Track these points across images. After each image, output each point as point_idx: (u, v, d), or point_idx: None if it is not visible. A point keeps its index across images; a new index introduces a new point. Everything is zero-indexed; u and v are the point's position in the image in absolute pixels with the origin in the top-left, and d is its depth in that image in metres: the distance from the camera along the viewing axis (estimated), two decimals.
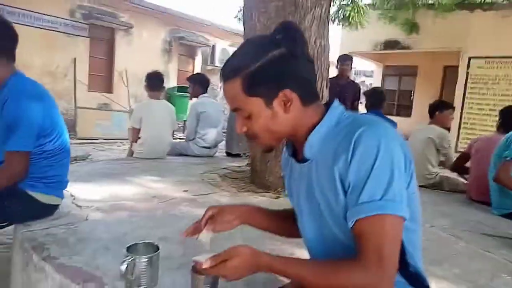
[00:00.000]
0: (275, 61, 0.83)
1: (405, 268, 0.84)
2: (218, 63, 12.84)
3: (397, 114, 10.92)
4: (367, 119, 0.82)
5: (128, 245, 1.23)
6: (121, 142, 8.36)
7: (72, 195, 2.11)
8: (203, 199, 2.28)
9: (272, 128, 0.88)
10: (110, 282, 1.25)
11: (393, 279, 0.74)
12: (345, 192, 0.79)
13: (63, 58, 8.88)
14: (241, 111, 0.88)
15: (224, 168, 3.35)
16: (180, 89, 11.08)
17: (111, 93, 10.15)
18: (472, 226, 2.33)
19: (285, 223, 1.09)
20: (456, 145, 7.63)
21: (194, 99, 4.48)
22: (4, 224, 1.65)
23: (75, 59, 8.97)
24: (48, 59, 8.57)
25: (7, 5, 7.62)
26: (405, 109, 11.34)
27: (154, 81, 3.91)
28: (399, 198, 0.75)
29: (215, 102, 4.69)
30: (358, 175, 0.76)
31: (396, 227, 0.75)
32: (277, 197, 2.47)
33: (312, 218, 0.90)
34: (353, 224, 0.76)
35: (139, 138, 3.84)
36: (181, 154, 4.29)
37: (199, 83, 4.41)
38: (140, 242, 1.28)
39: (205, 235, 0.94)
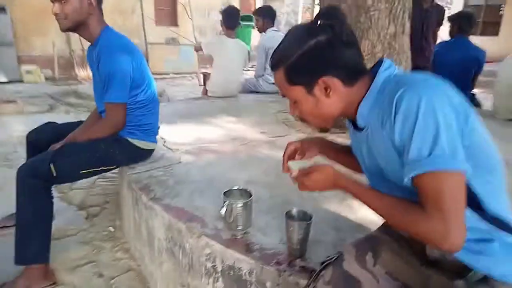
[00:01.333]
0: (312, 50, 0.87)
1: (488, 217, 0.82)
2: None
3: (482, 34, 9.64)
4: (410, 79, 0.81)
5: (225, 190, 1.37)
6: (190, 76, 8.66)
7: (162, 138, 2.31)
8: (281, 140, 2.35)
9: (318, 113, 0.93)
10: (211, 222, 1.41)
11: (460, 232, 0.73)
12: (399, 154, 0.80)
13: None
14: (288, 97, 0.96)
15: None
16: (243, 18, 10.81)
17: (177, 26, 10.24)
18: None
19: (352, 159, 1.13)
20: None
21: (263, 34, 4.38)
22: (112, 167, 1.88)
23: None
24: None
25: None
26: (492, 27, 9.96)
27: (231, 17, 3.80)
28: (449, 152, 0.73)
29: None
30: (403, 136, 0.77)
31: (452, 181, 0.74)
32: None
33: (377, 176, 0.94)
34: (410, 182, 0.78)
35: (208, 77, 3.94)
36: (251, 91, 4.36)
37: (267, 16, 4.27)
38: (234, 188, 1.42)
39: (294, 164, 1.02)
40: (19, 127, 4.07)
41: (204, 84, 4.15)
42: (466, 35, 3.61)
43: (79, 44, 7.79)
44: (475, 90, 3.89)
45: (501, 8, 9.87)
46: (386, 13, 2.25)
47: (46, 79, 7.36)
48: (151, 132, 1.97)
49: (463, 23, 3.58)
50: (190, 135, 2.44)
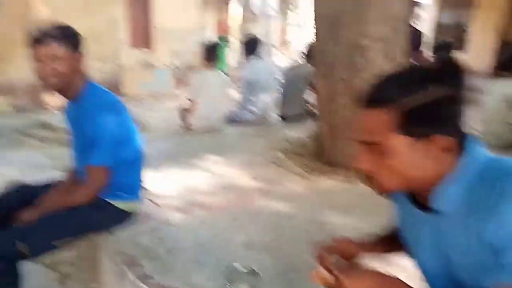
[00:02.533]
0: (438, 102, 0.72)
1: None
2: (257, 10, 12.25)
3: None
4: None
5: (225, 266, 1.20)
6: (164, 98, 8.45)
7: (145, 189, 2.10)
8: (275, 187, 2.20)
9: (407, 173, 0.76)
10: None
11: None
12: (491, 252, 0.69)
13: (104, 19, 8.77)
14: (376, 146, 0.76)
15: (285, 141, 3.23)
16: (220, 39, 10.79)
17: (150, 49, 10.07)
18: None
19: (391, 247, 1.03)
20: None
21: (245, 63, 4.30)
22: (92, 233, 1.66)
23: (115, 18, 8.81)
24: (91, 22, 8.50)
25: None
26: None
27: (211, 52, 3.77)
28: None
29: (266, 65, 4.46)
30: (500, 237, 0.67)
31: None
32: (348, 181, 2.33)
33: (439, 264, 0.81)
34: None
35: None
36: (234, 121, 4.22)
37: (247, 46, 4.21)
38: (236, 265, 1.24)
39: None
40: None
41: (184, 119, 3.99)
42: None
43: None
44: None
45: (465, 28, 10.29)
46: (381, 53, 2.18)
47: (13, 108, 6.95)
48: (134, 190, 1.76)
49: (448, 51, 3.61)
50: (176, 183, 2.25)
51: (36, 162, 3.95)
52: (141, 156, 1.77)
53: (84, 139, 1.56)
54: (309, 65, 4.27)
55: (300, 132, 3.52)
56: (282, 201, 1.97)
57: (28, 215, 1.56)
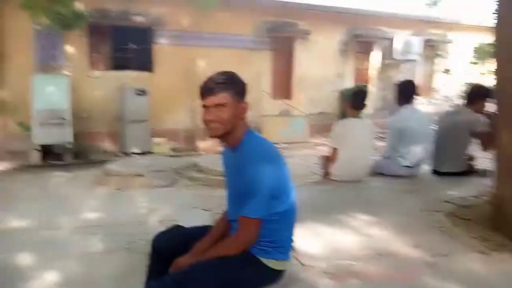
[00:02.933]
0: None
1: None
2: (398, 56, 11.69)
3: None
4: None
5: None
6: (300, 146, 8.53)
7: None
8: (445, 262, 1.77)
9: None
10: None
11: None
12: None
13: (250, 72, 9.62)
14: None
15: (445, 202, 2.72)
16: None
17: (291, 99, 10.47)
18: None
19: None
20: None
21: (396, 111, 3.95)
22: None
23: (259, 71, 9.55)
24: (241, 74, 9.41)
25: (203, 31, 8.70)
26: None
27: (359, 99, 3.58)
28: None
29: (421, 114, 4.02)
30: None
31: None
32: None
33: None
34: None
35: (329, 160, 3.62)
36: (379, 173, 3.85)
37: (400, 92, 3.87)
38: None
39: None
40: (144, 204, 4.20)
41: (326, 167, 3.80)
42: None
43: (197, 119, 8.45)
44: None
45: None
46: None
47: (172, 150, 7.98)
48: (285, 249, 1.64)
49: None
50: (323, 241, 2.04)
51: (186, 201, 4.28)
52: (294, 210, 1.66)
53: (241, 187, 1.54)
54: (469, 110, 3.67)
55: (463, 191, 2.94)
56: (457, 283, 1.55)
57: (183, 262, 1.59)
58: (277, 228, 1.59)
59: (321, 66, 10.56)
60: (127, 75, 8.05)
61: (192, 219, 3.57)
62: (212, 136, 1.59)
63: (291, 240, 1.67)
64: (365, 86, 10.47)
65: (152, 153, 7.70)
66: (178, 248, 1.72)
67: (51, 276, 2.48)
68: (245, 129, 1.62)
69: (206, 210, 3.90)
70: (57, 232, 3.32)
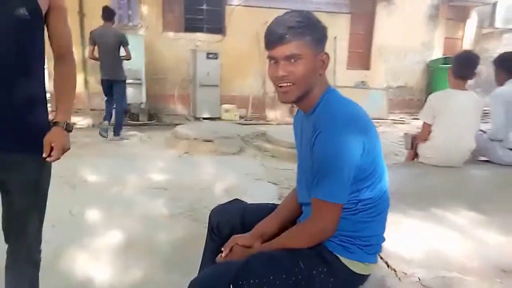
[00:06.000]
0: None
1: None
2: (500, 24, 10.07)
3: None
4: None
5: None
6: (376, 122, 7.82)
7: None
8: None
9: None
10: None
11: None
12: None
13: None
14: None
15: None
16: (446, 60, 9.38)
17: (369, 69, 9.64)
18: None
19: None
20: None
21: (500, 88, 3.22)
22: None
23: (335, 37, 8.84)
24: None
25: None
26: None
27: (465, 65, 2.92)
28: None
29: None
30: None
31: None
32: None
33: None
34: None
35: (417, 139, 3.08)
36: (479, 159, 3.24)
37: (501, 66, 3.14)
38: None
39: None
40: (211, 170, 4.10)
41: (412, 147, 3.27)
42: None
43: (272, 87, 8.10)
44: None
45: None
46: None
47: (241, 117, 7.84)
48: (373, 248, 1.27)
49: None
50: (418, 242, 1.63)
51: (253, 171, 4.10)
52: (385, 200, 1.27)
53: (315, 161, 1.17)
54: None
55: None
56: None
57: (241, 242, 1.33)
58: (364, 221, 1.22)
59: (405, 34, 9.47)
60: (199, 37, 7.92)
61: (258, 191, 3.39)
62: (284, 101, 1.22)
63: (382, 238, 1.31)
64: (450, 59, 9.23)
65: (221, 119, 7.64)
66: (236, 227, 1.46)
67: (114, 235, 2.49)
68: (324, 87, 1.23)
69: (273, 184, 3.68)
70: (124, 191, 3.36)
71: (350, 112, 1.17)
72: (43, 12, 1.30)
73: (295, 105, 1.28)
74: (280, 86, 1.19)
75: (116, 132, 5.55)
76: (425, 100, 3.12)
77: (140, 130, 6.35)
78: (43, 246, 1.44)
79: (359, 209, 1.21)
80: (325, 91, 1.23)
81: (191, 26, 7.94)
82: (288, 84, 1.17)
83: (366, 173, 1.18)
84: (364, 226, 1.23)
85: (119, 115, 5.61)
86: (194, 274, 1.32)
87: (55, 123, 1.34)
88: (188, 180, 3.67)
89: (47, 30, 1.36)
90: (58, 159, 1.31)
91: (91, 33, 5.34)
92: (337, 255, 1.22)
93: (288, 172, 3.88)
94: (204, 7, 7.99)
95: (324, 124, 1.14)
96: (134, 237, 2.47)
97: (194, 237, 2.35)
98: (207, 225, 1.56)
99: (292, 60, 1.14)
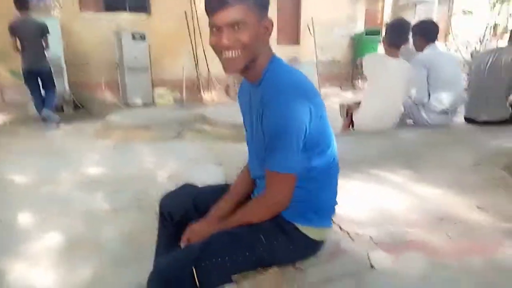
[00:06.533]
0: None
1: None
2: None
3: None
4: None
5: None
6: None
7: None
8: None
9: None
10: None
11: None
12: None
13: None
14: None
15: (500, 154, 2.36)
16: (369, 32, 9.91)
17: (298, 44, 9.85)
18: None
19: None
20: None
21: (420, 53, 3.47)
22: (270, 267, 1.27)
23: None
24: None
25: None
26: None
27: (398, 33, 3.07)
28: None
29: (448, 54, 3.55)
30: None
31: None
32: None
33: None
34: None
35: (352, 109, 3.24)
36: (405, 122, 3.49)
37: (421, 33, 3.39)
38: None
39: None
40: (151, 158, 3.92)
41: (347, 116, 3.43)
42: None
43: (205, 67, 7.91)
44: None
45: None
46: None
47: (175, 101, 7.58)
48: (327, 213, 1.31)
49: None
50: (365, 202, 1.72)
51: (195, 155, 4.00)
52: (335, 166, 1.31)
53: (265, 133, 1.15)
54: None
55: None
56: None
57: (198, 229, 1.28)
58: (316, 187, 1.25)
59: (330, 8, 9.78)
60: (122, 17, 7.40)
61: (203, 175, 3.31)
62: (230, 71, 1.15)
63: (335, 202, 1.35)
64: (373, 31, 9.75)
65: (155, 104, 7.32)
66: (189, 212, 1.42)
67: (53, 237, 2.29)
68: (269, 56, 1.20)
69: (218, 165, 3.63)
70: (58, 188, 3.09)
71: (297, 80, 1.16)
72: None
73: (241, 75, 1.24)
74: (225, 56, 1.13)
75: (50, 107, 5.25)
76: (353, 71, 3.27)
77: (65, 123, 5.84)
78: None
79: (311, 176, 1.23)
80: (270, 59, 1.20)
81: (111, 5, 7.36)
82: (234, 52, 1.12)
83: (315, 140, 1.18)
84: (318, 192, 1.26)
85: (52, 96, 5.37)
86: (147, 266, 1.24)
87: None
88: (127, 170, 3.48)
89: None
90: None
91: (10, 26, 4.93)
92: (295, 223, 1.24)
93: (231, 152, 3.85)
94: None
95: (272, 94, 1.12)
96: (76, 236, 2.29)
97: (142, 229, 2.25)
98: (155, 214, 1.49)
99: (236, 27, 1.09)
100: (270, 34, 1.18)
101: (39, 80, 5.21)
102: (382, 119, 3.09)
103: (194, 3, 7.60)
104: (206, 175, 3.28)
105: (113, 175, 3.34)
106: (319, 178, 1.25)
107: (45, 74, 5.22)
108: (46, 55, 5.20)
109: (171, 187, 1.55)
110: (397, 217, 1.58)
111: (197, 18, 7.59)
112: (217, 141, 4.54)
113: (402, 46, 3.15)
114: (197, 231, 1.27)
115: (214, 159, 3.78)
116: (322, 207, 1.28)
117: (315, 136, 1.18)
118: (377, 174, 2.09)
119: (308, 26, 9.65)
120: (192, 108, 6.65)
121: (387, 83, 2.97)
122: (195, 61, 7.97)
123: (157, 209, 1.51)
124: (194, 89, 8.05)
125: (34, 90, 5.24)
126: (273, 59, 1.21)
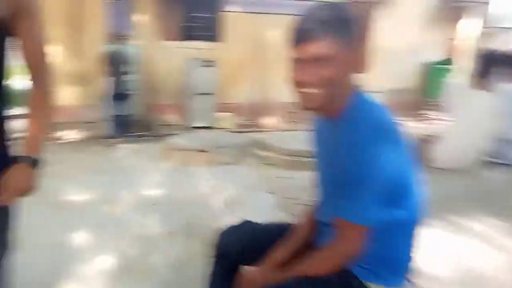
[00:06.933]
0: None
1: None
2: (496, 24, 10.00)
3: None
4: None
5: None
6: None
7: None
8: None
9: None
10: None
11: None
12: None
13: None
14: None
15: None
16: (440, 62, 9.27)
17: (367, 72, 9.51)
18: None
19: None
20: None
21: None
22: None
23: None
24: None
25: None
26: None
27: (485, 64, 2.79)
28: None
29: None
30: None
31: None
32: None
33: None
34: None
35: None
36: (490, 162, 3.06)
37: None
38: None
39: None
40: (207, 182, 3.90)
41: (425, 152, 3.09)
42: None
43: (268, 92, 7.95)
44: None
45: None
46: None
47: (236, 125, 7.67)
48: (401, 270, 1.10)
49: None
50: (448, 257, 1.44)
51: (250, 181, 3.91)
52: (417, 217, 1.09)
53: (341, 175, 1.00)
54: None
55: None
56: None
57: (255, 279, 1.17)
58: (391, 244, 1.06)
59: (403, 35, 9.35)
60: (196, 45, 7.78)
61: (256, 203, 3.19)
62: (307, 108, 1.04)
63: (411, 258, 1.12)
64: (447, 61, 9.12)
65: (217, 128, 7.45)
66: (247, 250, 1.30)
67: (106, 260, 2.28)
68: (351, 90, 1.05)
69: (272, 194, 3.49)
70: (115, 209, 3.15)
71: (380, 122, 1.00)
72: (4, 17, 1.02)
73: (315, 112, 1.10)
74: (303, 92, 1.01)
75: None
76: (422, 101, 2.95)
77: (133, 142, 6.13)
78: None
79: (387, 232, 1.04)
80: (352, 94, 1.05)
81: (187, 34, 7.81)
82: (314, 89, 0.99)
83: (398, 192, 1.02)
84: (393, 248, 1.07)
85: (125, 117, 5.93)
86: None
87: (19, 158, 1.07)
88: (183, 193, 3.48)
89: (16, 40, 1.08)
90: (11, 203, 1.05)
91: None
92: (365, 281, 1.05)
93: (285, 180, 3.70)
94: (200, 14, 7.88)
95: (351, 136, 0.98)
96: (126, 261, 2.27)
97: (191, 255, 2.23)
98: (203, 240, 1.37)
99: (321, 62, 0.96)
100: (358, 67, 1.03)
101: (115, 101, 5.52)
102: (465, 156, 2.73)
103: (265, 31, 7.77)
104: (259, 203, 3.17)
105: (169, 198, 3.35)
106: (398, 232, 1.07)
107: (122, 96, 5.57)
108: (126, 80, 5.60)
109: (224, 214, 1.43)
110: (487, 278, 1.28)
111: (267, 45, 7.72)
112: (272, 168, 4.43)
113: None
114: (252, 282, 1.18)
115: (268, 187, 3.65)
116: (397, 263, 1.10)
117: (398, 186, 1.01)
118: (459, 222, 1.78)
119: (376, 53, 9.32)
120: (252, 133, 6.64)
121: (472, 115, 2.63)
122: (259, 86, 8.06)
123: (207, 235, 1.40)
124: (255, 114, 8.10)
125: (110, 110, 5.62)
126: (357, 94, 1.06)
